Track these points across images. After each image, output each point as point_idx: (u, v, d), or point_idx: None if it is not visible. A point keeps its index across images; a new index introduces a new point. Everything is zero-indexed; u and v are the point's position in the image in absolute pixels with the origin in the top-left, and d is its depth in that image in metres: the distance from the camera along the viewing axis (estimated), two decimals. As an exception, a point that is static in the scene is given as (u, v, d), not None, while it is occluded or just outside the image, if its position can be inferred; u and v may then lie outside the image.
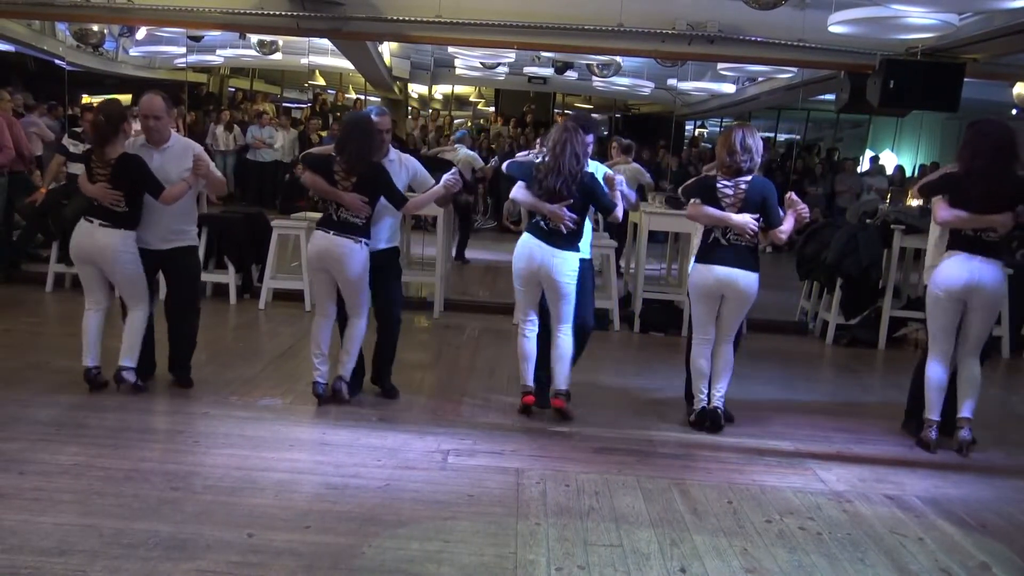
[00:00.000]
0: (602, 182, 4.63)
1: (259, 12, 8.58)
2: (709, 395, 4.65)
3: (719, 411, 4.63)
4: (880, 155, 16.12)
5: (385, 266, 4.79)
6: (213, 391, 4.83)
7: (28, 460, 3.69)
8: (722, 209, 4.46)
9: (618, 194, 4.65)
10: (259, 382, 5.10)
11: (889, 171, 14.69)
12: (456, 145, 10.27)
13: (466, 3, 8.47)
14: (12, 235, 7.86)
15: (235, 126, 13.76)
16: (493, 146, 15.85)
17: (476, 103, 21.22)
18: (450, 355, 6.19)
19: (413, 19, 8.57)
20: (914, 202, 8.11)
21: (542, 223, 4.54)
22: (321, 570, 2.92)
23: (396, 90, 16.94)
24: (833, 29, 7.07)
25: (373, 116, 4.69)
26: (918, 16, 6.48)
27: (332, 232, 4.50)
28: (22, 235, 7.87)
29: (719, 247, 4.52)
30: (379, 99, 17.27)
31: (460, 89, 20.05)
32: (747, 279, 4.49)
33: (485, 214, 13.69)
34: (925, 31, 7.01)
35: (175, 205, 4.62)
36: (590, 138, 4.57)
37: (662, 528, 3.41)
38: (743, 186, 4.44)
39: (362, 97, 17.66)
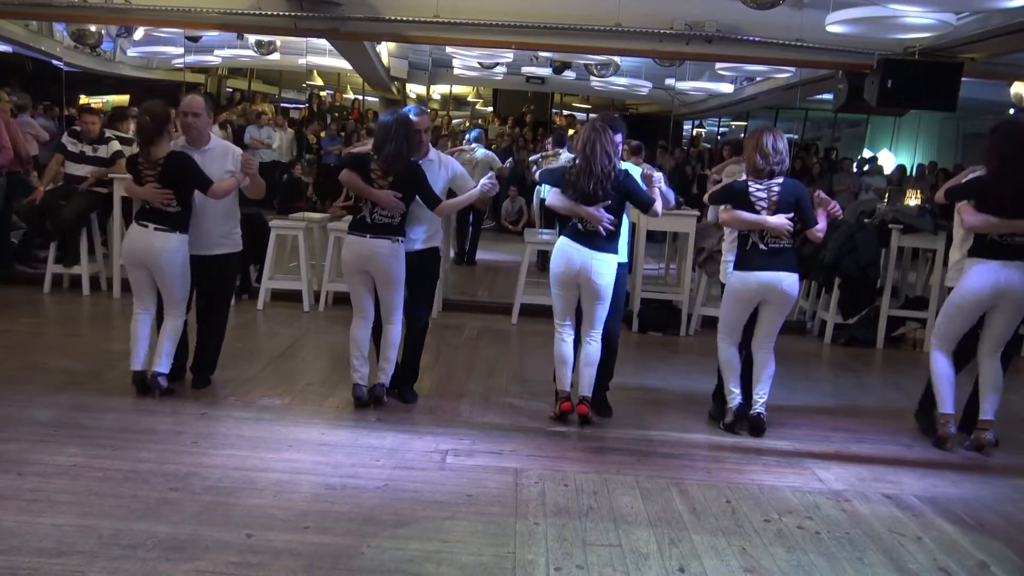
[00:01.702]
0: (638, 179, 4.60)
1: (257, 12, 8.57)
2: (751, 400, 4.63)
3: (762, 416, 4.60)
4: (878, 154, 16.14)
5: (421, 267, 4.74)
6: (211, 392, 4.84)
7: (27, 461, 3.69)
8: (756, 213, 4.46)
9: (656, 191, 4.60)
10: (258, 383, 5.10)
11: (887, 171, 14.70)
12: (473, 145, 10.26)
13: (464, 3, 8.46)
14: (10, 236, 7.86)
15: (227, 125, 13.75)
16: (493, 146, 15.85)
17: (474, 103, 21.22)
18: (449, 355, 6.18)
19: (411, 19, 8.57)
20: (912, 201, 8.12)
21: (579, 225, 4.49)
22: (320, 570, 2.92)
23: (394, 90, 16.94)
24: (831, 29, 7.07)
25: (412, 115, 4.65)
26: (916, 16, 6.49)
27: (368, 235, 4.51)
28: (24, 239, 7.89)
29: (759, 252, 4.49)
30: (377, 99, 17.26)
31: (458, 89, 20.05)
32: (789, 280, 4.49)
33: (484, 214, 13.68)
34: (923, 31, 7.01)
35: (220, 207, 4.66)
36: (619, 136, 4.53)
37: (661, 528, 3.42)
38: (776, 188, 4.43)
39: (360, 97, 17.67)
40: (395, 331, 4.68)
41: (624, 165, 4.59)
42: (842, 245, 7.02)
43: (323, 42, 11.91)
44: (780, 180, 4.46)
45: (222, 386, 4.93)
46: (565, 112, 19.83)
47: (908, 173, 14.25)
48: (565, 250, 4.52)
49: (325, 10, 8.45)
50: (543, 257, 8.82)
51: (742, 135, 17.90)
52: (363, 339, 4.68)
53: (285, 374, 5.35)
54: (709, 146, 18.17)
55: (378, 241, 4.50)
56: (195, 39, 12.18)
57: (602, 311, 4.55)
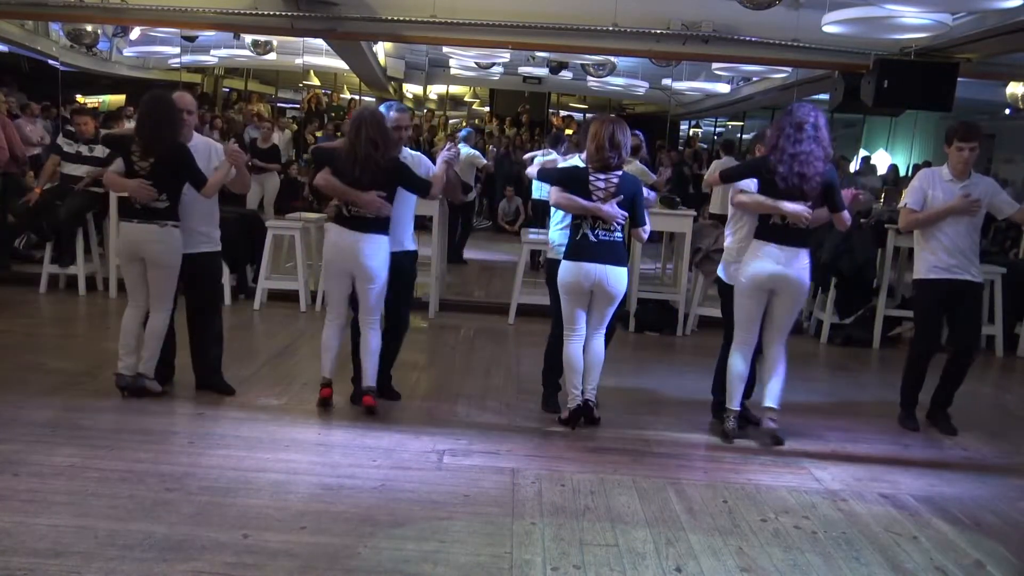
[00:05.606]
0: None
1: (253, 12, 8.56)
2: (583, 389, 4.53)
3: (592, 404, 4.56)
4: (874, 155, 16.17)
5: (404, 270, 4.67)
6: (208, 392, 4.82)
7: (23, 462, 3.68)
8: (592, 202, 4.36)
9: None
10: (254, 383, 5.09)
11: (883, 171, 14.72)
12: (460, 144, 10.29)
13: (461, 3, 8.46)
14: (4, 236, 7.84)
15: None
16: (489, 147, 15.87)
17: (471, 103, 21.24)
18: (445, 355, 6.19)
19: (408, 19, 8.56)
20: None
21: (344, 210, 4.42)
22: (317, 571, 2.92)
23: (391, 90, 16.94)
24: (827, 29, 7.08)
25: (392, 112, 4.61)
26: (912, 16, 6.50)
27: (136, 220, 4.41)
28: (24, 241, 7.91)
29: (589, 243, 4.39)
30: (374, 99, 17.25)
31: (455, 89, 20.07)
32: (616, 274, 4.40)
33: (479, 214, 13.71)
34: (919, 31, 7.03)
35: (202, 206, 4.60)
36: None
37: (658, 527, 3.42)
38: (615, 180, 4.36)
39: (357, 97, 17.67)
40: (162, 320, 4.54)
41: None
42: (838, 245, 7.04)
43: (320, 42, 11.91)
44: (620, 173, 4.39)
45: (219, 386, 4.92)
46: (562, 112, 19.86)
47: (905, 173, 14.27)
48: (336, 238, 4.44)
49: (322, 10, 8.44)
50: (535, 257, 8.86)
51: (738, 135, 17.93)
52: (134, 330, 4.54)
53: (282, 374, 5.34)
54: (705, 146, 18.20)
55: (146, 227, 4.40)
56: (191, 39, 12.17)
57: (374, 294, 4.46)
